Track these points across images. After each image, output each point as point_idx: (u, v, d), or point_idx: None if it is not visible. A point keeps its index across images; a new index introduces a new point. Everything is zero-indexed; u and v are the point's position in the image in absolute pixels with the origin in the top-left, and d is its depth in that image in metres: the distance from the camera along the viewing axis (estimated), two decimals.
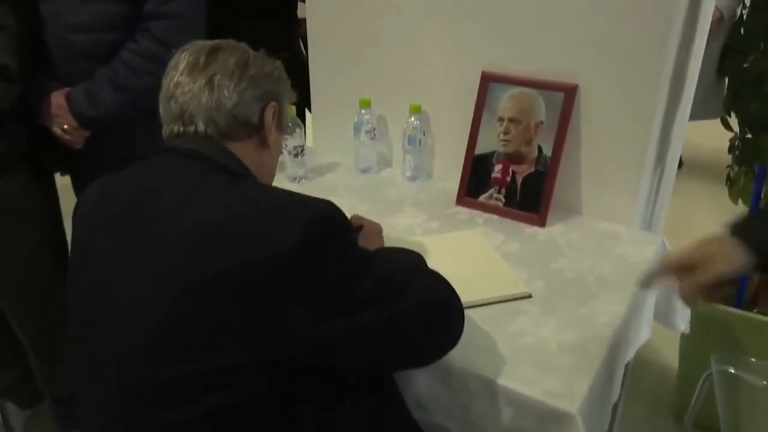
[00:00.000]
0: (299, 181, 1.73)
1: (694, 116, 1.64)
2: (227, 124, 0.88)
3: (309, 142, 1.87)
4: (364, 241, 1.16)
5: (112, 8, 1.51)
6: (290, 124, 1.63)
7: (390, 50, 1.66)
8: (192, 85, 0.87)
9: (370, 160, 1.76)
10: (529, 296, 1.19)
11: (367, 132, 1.70)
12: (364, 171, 1.77)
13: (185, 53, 0.91)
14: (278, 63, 0.98)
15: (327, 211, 0.79)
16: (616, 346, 1.11)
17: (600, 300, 1.18)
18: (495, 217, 1.51)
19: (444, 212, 1.54)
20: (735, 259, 1.08)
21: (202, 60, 0.89)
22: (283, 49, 2.11)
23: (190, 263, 0.75)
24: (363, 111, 1.69)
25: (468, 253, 1.32)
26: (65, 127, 1.55)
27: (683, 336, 1.84)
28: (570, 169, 1.47)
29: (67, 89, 1.56)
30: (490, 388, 1.00)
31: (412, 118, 1.63)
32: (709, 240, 1.13)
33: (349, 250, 0.81)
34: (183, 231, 0.77)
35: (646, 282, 1.01)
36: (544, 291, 1.21)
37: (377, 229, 1.24)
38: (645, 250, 1.36)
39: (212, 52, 0.90)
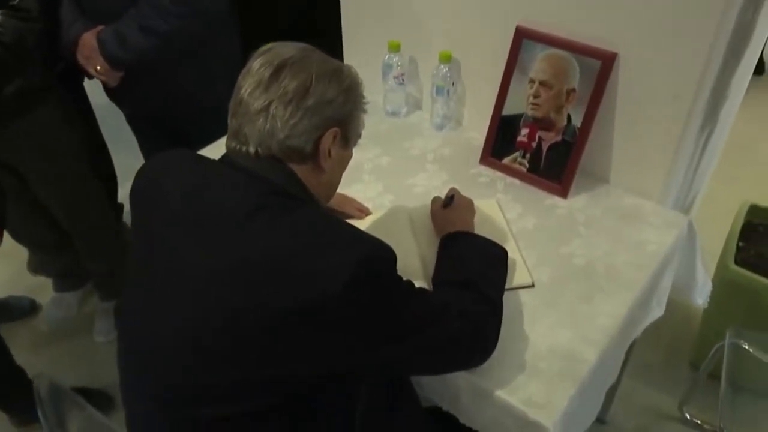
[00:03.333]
0: None
1: None
2: (279, 150, 0.87)
3: None
4: (455, 214, 1.22)
5: None
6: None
7: None
8: (250, 106, 0.86)
9: (398, 103, 1.71)
10: (532, 286, 1.20)
11: (395, 77, 1.63)
12: (393, 114, 1.72)
13: (257, 62, 0.88)
14: (348, 81, 0.91)
15: (375, 253, 0.82)
16: (611, 348, 1.12)
17: (605, 295, 1.18)
18: (517, 182, 1.47)
19: (466, 172, 1.51)
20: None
21: (265, 78, 0.86)
22: None
23: (238, 291, 0.79)
24: (392, 54, 1.61)
25: (480, 229, 1.31)
26: (98, 68, 1.57)
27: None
28: (601, 139, 1.39)
29: (98, 29, 1.55)
30: (474, 388, 1.05)
31: (442, 67, 1.55)
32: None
33: (394, 288, 0.85)
34: (233, 258, 0.80)
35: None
36: (549, 280, 1.21)
37: (468, 204, 1.27)
38: (666, 236, 1.31)
39: (277, 71, 0.86)
